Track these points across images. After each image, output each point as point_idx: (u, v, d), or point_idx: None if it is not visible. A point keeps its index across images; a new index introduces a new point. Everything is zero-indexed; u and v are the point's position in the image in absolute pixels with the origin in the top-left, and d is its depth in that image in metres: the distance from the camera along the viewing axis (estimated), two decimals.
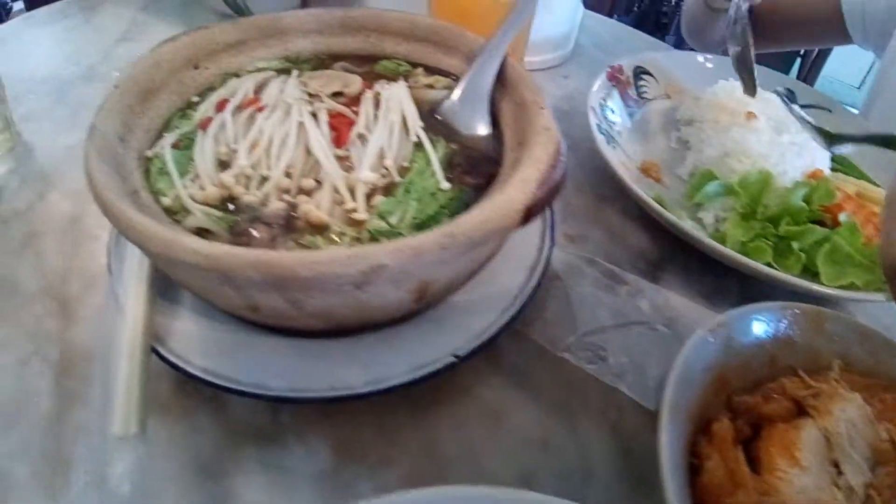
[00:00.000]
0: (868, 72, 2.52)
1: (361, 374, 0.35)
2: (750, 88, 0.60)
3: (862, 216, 0.53)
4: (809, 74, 2.07)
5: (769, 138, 0.56)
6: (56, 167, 0.57)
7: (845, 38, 0.81)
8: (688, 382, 0.36)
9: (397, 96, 0.44)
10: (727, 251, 0.48)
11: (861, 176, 0.62)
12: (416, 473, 0.37)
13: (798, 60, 2.18)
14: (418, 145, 0.41)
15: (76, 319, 0.44)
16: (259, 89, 0.47)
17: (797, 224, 0.51)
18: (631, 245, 0.55)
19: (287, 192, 0.36)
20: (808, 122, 0.52)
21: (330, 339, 0.36)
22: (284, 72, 0.49)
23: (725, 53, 0.64)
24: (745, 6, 0.61)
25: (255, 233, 0.33)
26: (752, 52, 0.59)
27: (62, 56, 0.71)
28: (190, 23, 0.81)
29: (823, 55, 2.05)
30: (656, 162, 0.61)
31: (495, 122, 0.44)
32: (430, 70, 0.50)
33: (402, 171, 0.39)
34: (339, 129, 0.41)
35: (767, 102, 0.61)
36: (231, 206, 0.35)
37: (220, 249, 0.27)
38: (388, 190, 0.37)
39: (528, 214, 0.31)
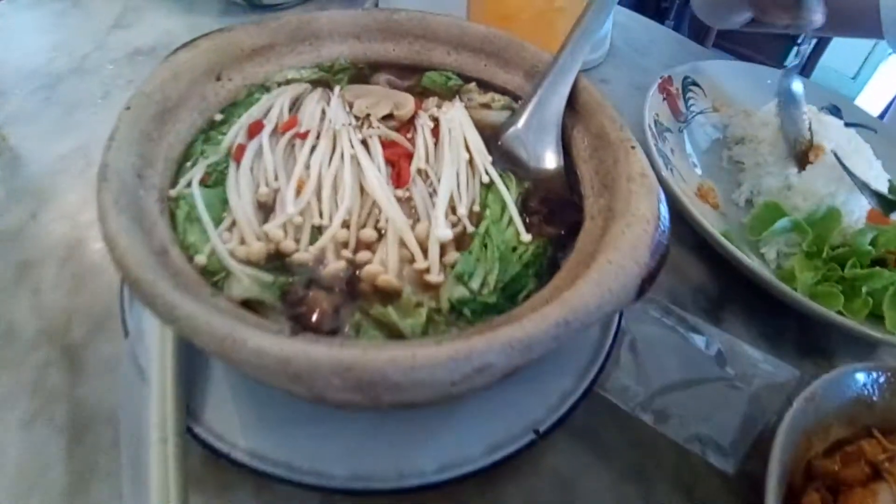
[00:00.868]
0: (863, 63, 2.50)
1: (433, 457, 0.30)
2: None
3: None
4: (807, 65, 2.03)
5: (837, 175, 0.52)
6: (49, 180, 0.51)
7: (879, 33, 0.77)
8: (785, 452, 0.34)
9: (458, 122, 0.39)
10: (801, 298, 0.44)
11: None
12: None
13: (794, 49, 2.14)
14: (488, 184, 0.35)
15: (84, 373, 0.38)
16: (294, 106, 0.41)
17: (862, 266, 0.48)
18: (691, 279, 0.51)
19: (345, 245, 0.31)
20: (867, 188, 0.50)
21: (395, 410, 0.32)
22: (319, 83, 0.43)
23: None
24: None
25: (314, 304, 0.27)
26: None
27: (50, 46, 0.63)
28: (190, 7, 0.73)
29: (822, 45, 2.01)
30: (713, 185, 0.56)
31: (566, 152, 0.39)
32: (485, 85, 0.45)
33: (473, 216, 0.34)
34: (396, 163, 0.36)
35: (828, 126, 0.58)
36: (279, 263, 0.30)
37: (291, 348, 0.22)
38: (461, 241, 0.32)
39: (643, 290, 0.27)
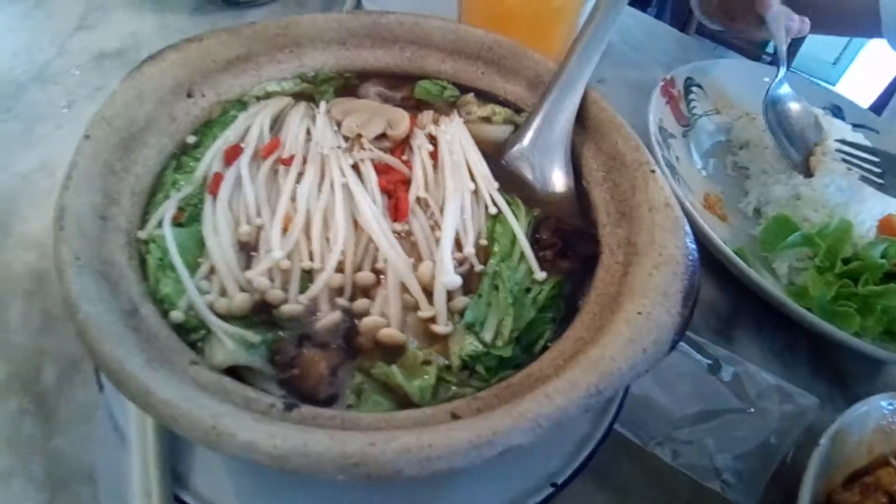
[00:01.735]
0: (844, 49, 2.51)
1: None
2: None
3: None
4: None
5: (848, 183, 0.50)
6: (10, 203, 0.46)
7: (876, 33, 0.76)
8: (814, 496, 0.33)
9: (458, 142, 0.35)
10: (818, 322, 0.43)
11: None
12: None
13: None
14: (495, 214, 0.32)
15: (59, 424, 0.35)
16: (276, 125, 0.37)
17: (875, 280, 0.46)
18: (701, 298, 0.48)
19: (340, 292, 0.28)
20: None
21: None
22: (302, 96, 0.39)
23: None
24: None
25: (309, 367, 0.24)
26: None
27: (9, 51, 0.57)
28: (159, 5, 0.67)
29: None
30: (720, 195, 0.54)
31: (575, 172, 0.36)
32: (483, 96, 0.41)
33: (480, 250, 0.31)
34: (393, 192, 0.32)
35: (836, 130, 0.55)
36: (266, 317, 0.26)
37: (286, 444, 0.18)
38: (468, 280, 0.29)
39: (675, 344, 0.24)
